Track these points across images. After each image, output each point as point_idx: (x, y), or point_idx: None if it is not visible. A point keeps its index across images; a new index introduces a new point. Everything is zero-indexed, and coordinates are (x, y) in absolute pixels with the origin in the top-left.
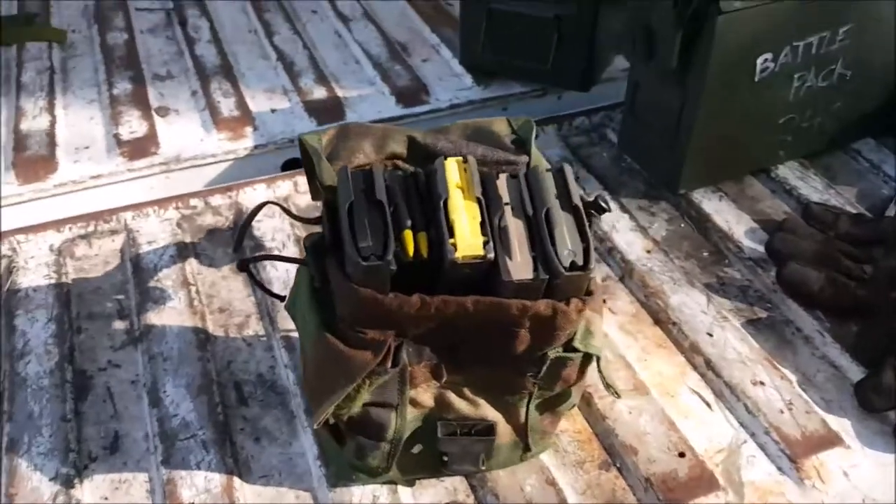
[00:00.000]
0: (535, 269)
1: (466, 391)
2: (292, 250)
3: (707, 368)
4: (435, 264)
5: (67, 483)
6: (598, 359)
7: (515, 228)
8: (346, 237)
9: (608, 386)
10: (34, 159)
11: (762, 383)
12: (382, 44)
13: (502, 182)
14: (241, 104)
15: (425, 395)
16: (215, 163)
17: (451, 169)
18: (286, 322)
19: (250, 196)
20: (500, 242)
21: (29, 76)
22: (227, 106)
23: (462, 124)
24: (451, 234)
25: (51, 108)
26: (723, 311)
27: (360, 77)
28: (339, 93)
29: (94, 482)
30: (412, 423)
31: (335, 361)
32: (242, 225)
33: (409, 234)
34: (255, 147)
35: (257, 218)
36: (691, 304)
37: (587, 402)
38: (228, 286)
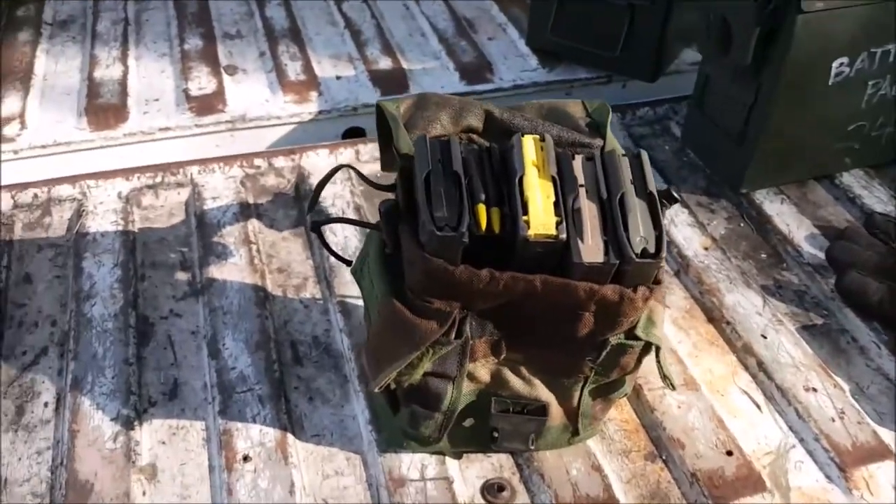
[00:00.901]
0: (606, 254)
1: (523, 370)
2: (351, 216)
3: (759, 370)
4: (507, 240)
5: (127, 424)
6: (658, 349)
7: (589, 211)
8: (421, 206)
9: (665, 377)
10: (106, 108)
11: (814, 390)
12: (449, 18)
13: (578, 163)
14: (308, 68)
15: (483, 369)
16: (279, 125)
17: (528, 146)
18: (343, 287)
19: (313, 161)
20: (572, 224)
21: (104, 26)
22: (293, 69)
23: (537, 104)
24: (525, 212)
25: (124, 59)
26: (778, 314)
27: (426, 50)
28: (404, 64)
29: (152, 426)
30: (467, 397)
31: (401, 328)
32: (317, 187)
33: (482, 208)
34: (319, 112)
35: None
36: (746, 305)
37: (636, 393)
38: (288, 247)
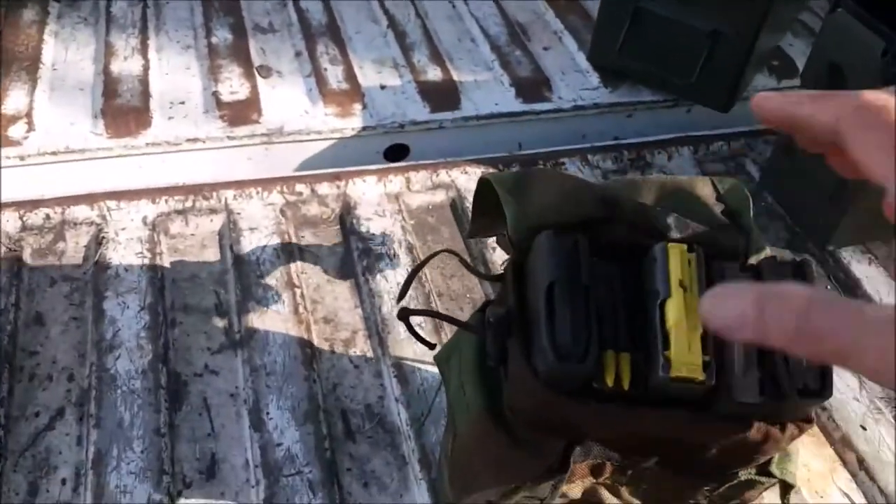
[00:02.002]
0: (763, 392)
1: (624, 491)
2: (403, 260)
3: (860, 468)
4: (636, 397)
5: None
6: (790, 487)
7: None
8: (542, 326)
9: None
10: (126, 110)
11: None
12: (501, 23)
13: (731, 276)
14: (350, 75)
15: (576, 487)
16: (319, 140)
17: (675, 260)
18: (396, 345)
19: (360, 188)
20: (722, 352)
21: (119, 7)
22: (334, 75)
23: (658, 181)
24: (666, 346)
25: (143, 50)
26: (875, 399)
27: (477, 59)
28: (455, 75)
29: None
30: None
31: (499, 457)
32: (411, 273)
33: (611, 357)
34: (364, 128)
35: (366, 216)
36: (842, 388)
37: None
38: (334, 292)
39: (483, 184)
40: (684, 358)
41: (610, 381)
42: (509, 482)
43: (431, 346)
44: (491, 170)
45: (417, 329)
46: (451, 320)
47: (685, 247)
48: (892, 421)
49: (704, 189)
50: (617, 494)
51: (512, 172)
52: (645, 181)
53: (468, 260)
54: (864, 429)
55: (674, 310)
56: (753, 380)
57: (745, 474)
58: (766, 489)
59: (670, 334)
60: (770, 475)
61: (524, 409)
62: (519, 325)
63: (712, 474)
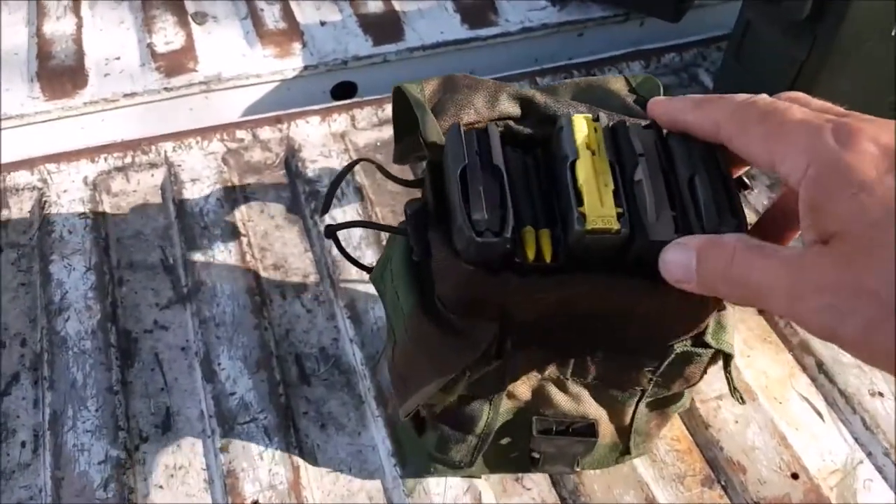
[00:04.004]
0: (676, 230)
1: (569, 384)
2: (353, 199)
3: (819, 371)
4: (560, 267)
5: (118, 467)
6: (730, 358)
7: (653, 183)
8: (457, 207)
9: (734, 390)
10: (61, 71)
11: (881, 394)
12: None
13: (635, 134)
14: (287, 14)
15: (523, 386)
16: (260, 83)
17: (580, 126)
18: (349, 285)
19: (303, 130)
20: (633, 198)
21: None
22: (271, 15)
23: (572, 83)
24: (580, 202)
25: (76, 8)
26: None
27: None
28: (396, 5)
29: (146, 467)
30: (503, 416)
31: (433, 349)
32: (331, 187)
33: (530, 233)
34: (305, 68)
35: (311, 158)
36: None
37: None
38: (283, 238)
39: (396, 94)
40: (598, 211)
41: (531, 254)
42: (445, 372)
43: (367, 269)
44: None
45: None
46: (377, 225)
47: (590, 116)
48: None
49: (617, 84)
50: (564, 389)
51: (421, 80)
52: (560, 84)
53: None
54: None
55: (583, 168)
56: (667, 220)
57: (680, 347)
58: (706, 364)
59: (582, 191)
60: (706, 346)
61: (449, 293)
62: (437, 214)
63: (649, 349)
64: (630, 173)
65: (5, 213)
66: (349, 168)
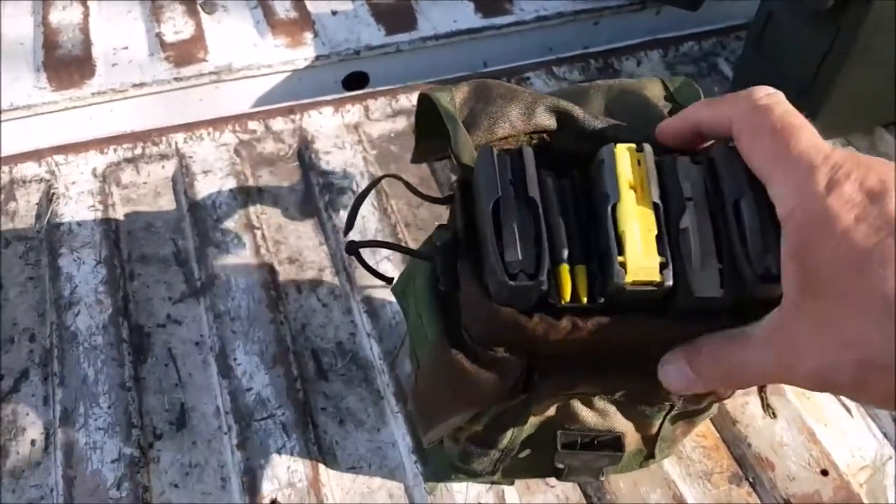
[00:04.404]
0: (723, 285)
1: (596, 400)
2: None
3: None
4: (594, 307)
5: (132, 466)
6: None
7: (700, 233)
8: (489, 244)
9: (767, 406)
10: (68, 60)
11: None
12: None
13: (682, 169)
14: (298, 3)
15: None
16: (271, 74)
17: (623, 162)
18: (365, 279)
19: (316, 121)
20: (677, 249)
21: None
22: (281, 4)
23: (605, 85)
24: (620, 251)
25: None
26: None
27: None
28: None
29: (160, 465)
30: (527, 430)
31: (458, 381)
32: (354, 204)
33: (565, 271)
34: (316, 58)
35: (325, 149)
36: None
37: None
38: (297, 231)
39: (423, 101)
40: (640, 261)
41: (566, 296)
42: (470, 407)
43: (388, 281)
44: None
45: (386, 262)
46: (401, 248)
47: (633, 146)
48: None
49: (654, 89)
50: (590, 405)
51: (450, 87)
52: (593, 86)
53: (416, 186)
54: None
55: (625, 213)
56: (713, 273)
57: None
58: None
59: (623, 238)
60: None
61: (478, 329)
62: (467, 245)
63: None
64: (676, 217)
65: (12, 205)
66: (373, 185)
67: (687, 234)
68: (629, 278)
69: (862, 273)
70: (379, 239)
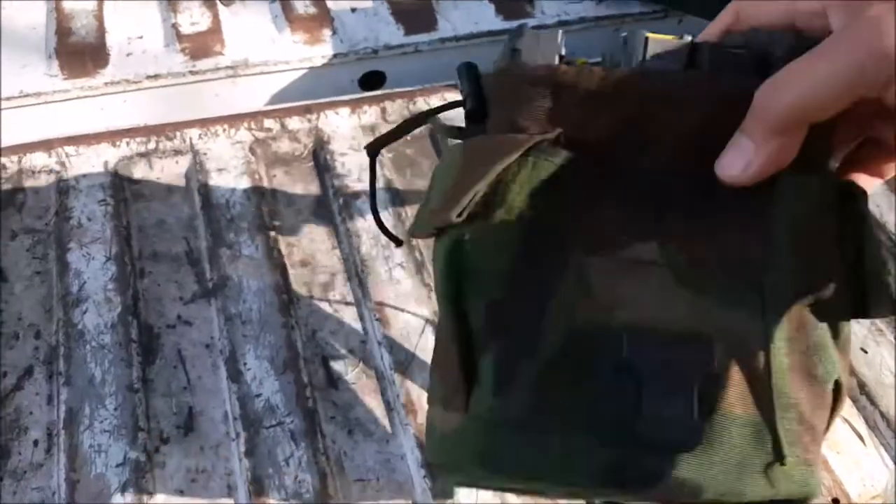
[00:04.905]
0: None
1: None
2: (382, 197)
3: (861, 393)
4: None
5: (137, 470)
6: None
7: None
8: None
9: None
10: (81, 48)
11: None
12: None
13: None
14: None
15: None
16: (287, 70)
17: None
18: (377, 287)
19: (333, 121)
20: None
21: None
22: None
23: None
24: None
25: None
26: (876, 320)
27: None
28: None
29: (166, 470)
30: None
31: (481, 152)
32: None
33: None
34: (334, 56)
35: (341, 150)
36: None
37: None
38: (311, 234)
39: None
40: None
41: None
42: (501, 156)
43: (398, 242)
44: None
45: (399, 269)
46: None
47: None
48: (894, 342)
49: None
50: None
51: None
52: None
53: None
54: (865, 352)
55: None
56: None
57: None
58: None
59: None
60: None
61: (506, 104)
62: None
63: None
64: None
65: (20, 196)
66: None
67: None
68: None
69: None
70: (395, 251)
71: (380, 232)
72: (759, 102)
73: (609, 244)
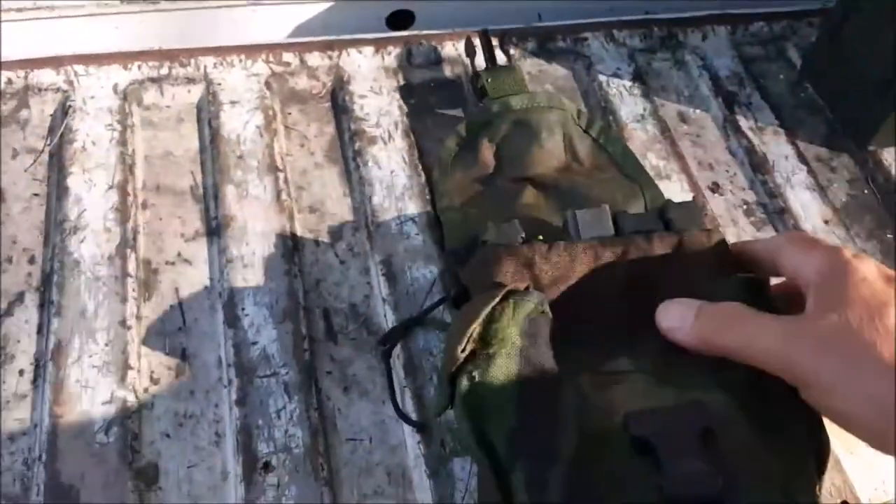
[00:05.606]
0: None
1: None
2: (399, 144)
3: None
4: None
5: (123, 410)
6: None
7: None
8: None
9: None
10: None
11: None
12: None
13: None
14: None
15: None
16: (311, 2)
17: None
18: (387, 240)
19: (354, 60)
20: None
21: None
22: None
23: None
24: None
25: None
26: None
27: None
28: None
29: (154, 412)
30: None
31: (471, 306)
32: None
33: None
34: None
35: (360, 92)
36: None
37: None
38: (322, 178)
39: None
40: None
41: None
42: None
43: (420, 427)
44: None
45: (411, 224)
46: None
47: None
48: None
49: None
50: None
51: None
52: None
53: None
54: None
55: None
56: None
57: None
58: None
59: None
60: None
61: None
62: None
63: None
64: None
65: (24, 113)
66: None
67: None
68: None
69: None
70: (408, 203)
71: (393, 183)
72: (706, 322)
73: (590, 364)
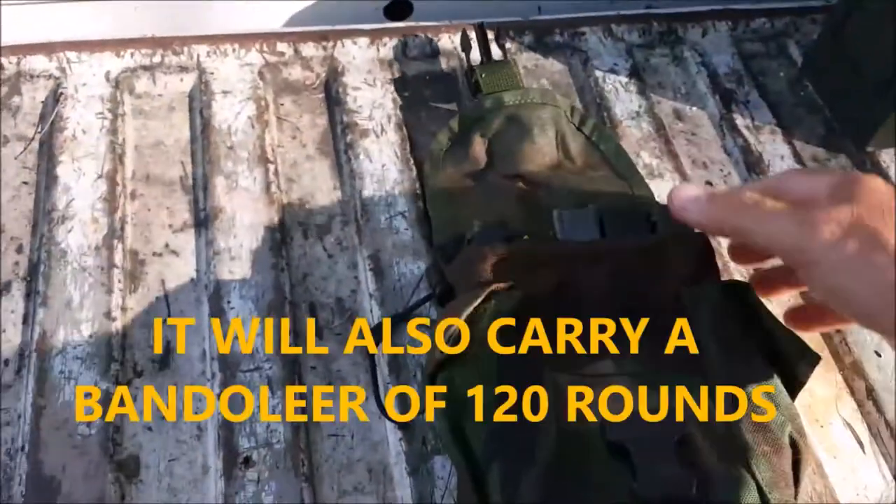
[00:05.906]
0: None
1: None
2: (392, 138)
3: (867, 397)
4: None
5: (105, 402)
6: None
7: None
8: None
9: None
10: None
11: None
12: None
13: None
14: None
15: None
16: None
17: None
18: (375, 234)
19: (349, 51)
20: None
21: None
22: None
23: None
24: None
25: None
26: None
27: None
28: None
29: (136, 404)
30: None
31: (454, 305)
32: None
33: None
34: None
35: (354, 84)
36: None
37: None
38: (312, 170)
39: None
40: None
41: None
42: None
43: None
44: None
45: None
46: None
47: None
48: None
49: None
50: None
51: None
52: None
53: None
54: (879, 355)
55: None
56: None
57: None
58: None
59: None
60: None
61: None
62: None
63: None
64: None
65: (16, 99)
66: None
67: None
68: None
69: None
70: (398, 198)
71: (384, 177)
72: (721, 204)
73: (571, 364)
